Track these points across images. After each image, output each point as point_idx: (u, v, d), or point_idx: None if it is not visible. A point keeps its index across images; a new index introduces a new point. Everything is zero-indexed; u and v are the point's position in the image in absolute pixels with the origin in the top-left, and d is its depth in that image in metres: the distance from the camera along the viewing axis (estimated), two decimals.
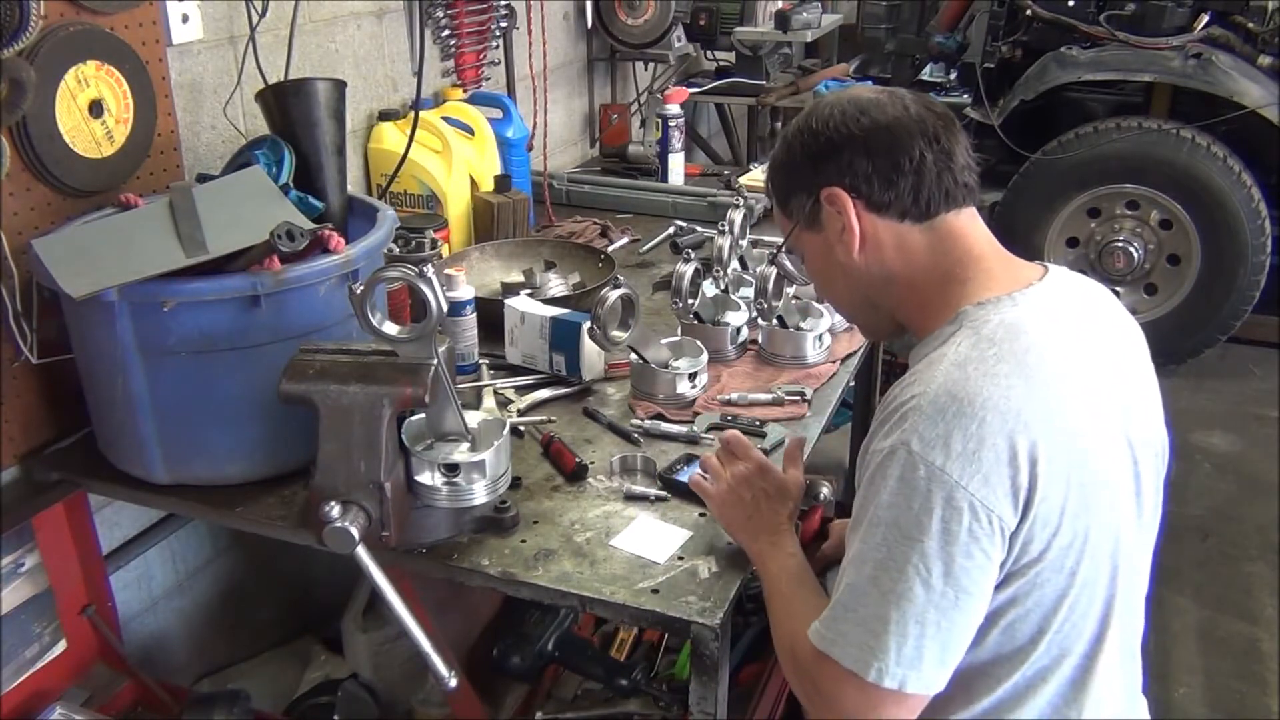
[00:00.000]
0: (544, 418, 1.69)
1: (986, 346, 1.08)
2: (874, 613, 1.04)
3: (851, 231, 1.18)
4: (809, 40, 3.95)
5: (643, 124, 3.62)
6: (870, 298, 1.24)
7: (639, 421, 1.66)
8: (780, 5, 3.97)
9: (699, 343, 1.80)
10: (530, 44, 2.84)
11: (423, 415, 1.37)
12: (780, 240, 1.33)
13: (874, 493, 1.06)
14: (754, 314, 1.86)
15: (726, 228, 1.92)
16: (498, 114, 2.55)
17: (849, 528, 1.11)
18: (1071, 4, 3.85)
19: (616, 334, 1.69)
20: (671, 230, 2.46)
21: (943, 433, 1.02)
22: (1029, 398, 1.04)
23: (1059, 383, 1.07)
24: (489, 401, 1.73)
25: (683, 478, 1.49)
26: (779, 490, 1.36)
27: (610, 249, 2.36)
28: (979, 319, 1.12)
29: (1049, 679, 1.12)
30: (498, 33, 2.74)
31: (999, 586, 1.06)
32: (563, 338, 1.77)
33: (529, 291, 2.01)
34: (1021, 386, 1.05)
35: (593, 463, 1.56)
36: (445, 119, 2.39)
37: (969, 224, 1.19)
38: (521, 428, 1.66)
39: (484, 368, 1.84)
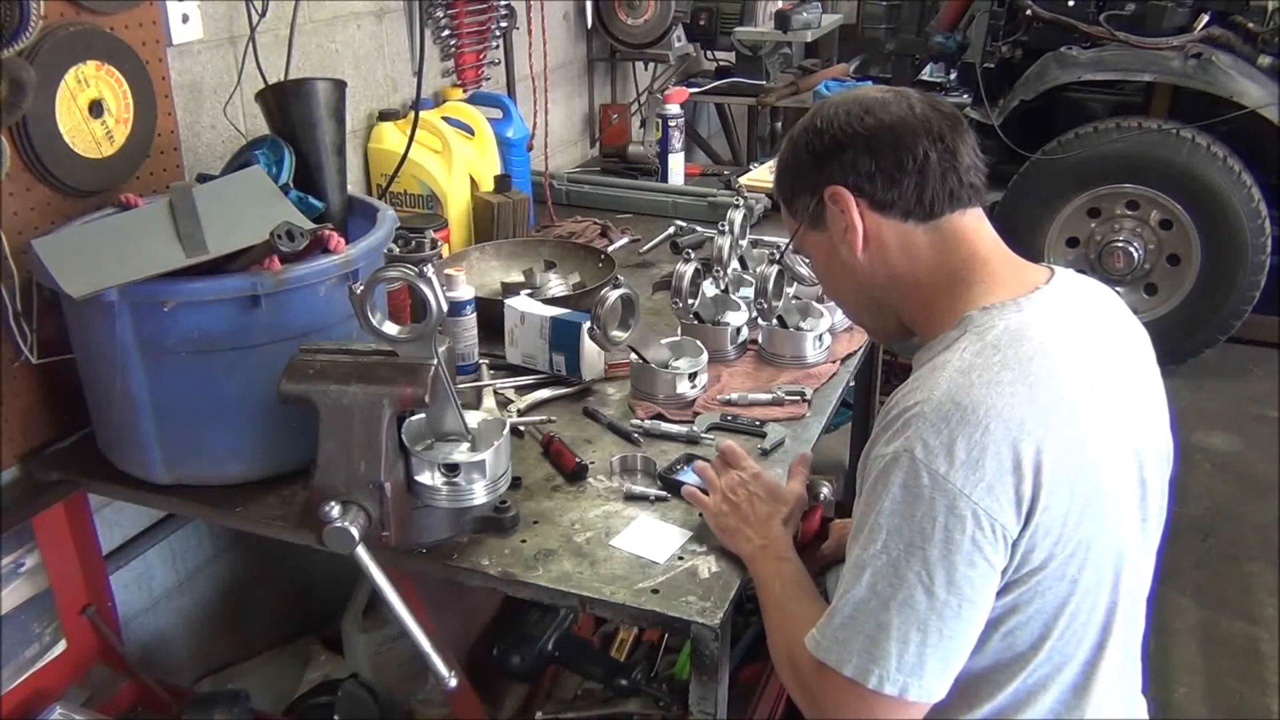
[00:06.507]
0: (544, 418, 1.69)
1: (991, 353, 1.07)
2: (875, 620, 1.04)
3: (855, 230, 1.18)
4: (809, 40, 3.95)
5: (643, 124, 3.62)
6: (876, 299, 1.24)
7: (639, 421, 1.66)
8: (780, 5, 3.97)
9: (699, 343, 1.79)
10: (530, 44, 2.84)
11: (423, 415, 1.37)
12: (784, 240, 1.33)
13: (876, 499, 1.05)
14: (754, 314, 1.86)
15: (726, 228, 1.91)
16: (498, 114, 2.55)
17: (850, 534, 1.11)
18: (1071, 4, 3.85)
19: (616, 334, 1.69)
20: (671, 230, 2.45)
21: (946, 440, 1.02)
22: (1033, 405, 1.04)
23: (1064, 390, 1.07)
24: (489, 401, 1.72)
25: (683, 478, 1.49)
26: (770, 494, 1.36)
27: (610, 249, 2.36)
28: (984, 324, 1.11)
29: (1050, 686, 1.12)
30: (498, 33, 2.74)
31: (1000, 593, 1.06)
32: (563, 338, 1.77)
33: (529, 291, 2.00)
34: (1025, 394, 1.04)
35: (593, 463, 1.56)
36: (445, 119, 2.39)
37: (975, 225, 1.19)
38: (521, 428, 1.66)
39: (484, 368, 1.84)
